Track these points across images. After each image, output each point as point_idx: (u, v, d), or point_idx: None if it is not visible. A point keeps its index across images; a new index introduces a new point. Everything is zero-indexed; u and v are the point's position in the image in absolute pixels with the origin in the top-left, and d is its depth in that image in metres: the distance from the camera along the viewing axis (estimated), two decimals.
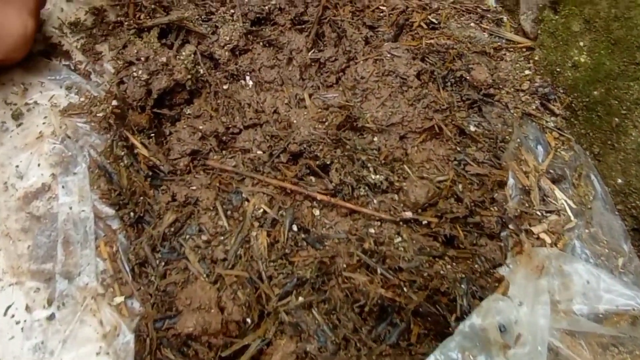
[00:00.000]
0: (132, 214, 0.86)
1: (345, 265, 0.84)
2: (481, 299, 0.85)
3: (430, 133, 1.01)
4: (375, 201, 0.90)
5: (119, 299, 0.79)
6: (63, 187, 0.86)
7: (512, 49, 1.14)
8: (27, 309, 0.77)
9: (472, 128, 1.02)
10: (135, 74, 0.95)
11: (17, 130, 0.91)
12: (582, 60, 1.00)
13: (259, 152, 0.95)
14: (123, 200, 0.87)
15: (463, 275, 0.85)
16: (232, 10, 1.09)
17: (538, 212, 0.90)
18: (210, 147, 0.95)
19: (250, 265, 0.83)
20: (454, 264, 0.86)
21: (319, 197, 0.89)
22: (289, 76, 1.07)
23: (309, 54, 1.09)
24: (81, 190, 0.86)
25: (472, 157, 0.97)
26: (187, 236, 0.85)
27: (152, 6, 1.06)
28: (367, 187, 0.90)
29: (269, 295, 0.81)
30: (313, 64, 1.08)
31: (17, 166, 0.87)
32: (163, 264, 0.83)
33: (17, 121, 0.92)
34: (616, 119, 0.92)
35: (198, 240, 0.84)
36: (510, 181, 0.92)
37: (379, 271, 0.83)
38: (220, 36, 1.05)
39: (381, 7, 1.16)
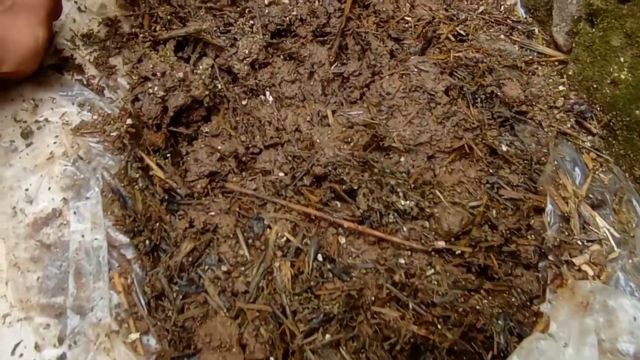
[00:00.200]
0: (147, 241, 0.80)
1: (373, 299, 0.78)
2: (519, 336, 0.78)
3: (459, 153, 0.94)
4: (404, 229, 0.83)
5: (134, 336, 0.73)
6: (75, 212, 0.79)
7: (544, 63, 1.07)
8: (37, 347, 0.71)
9: (504, 148, 0.95)
10: (150, 91, 0.88)
11: (27, 150, 0.84)
12: (623, 77, 0.93)
13: (281, 174, 0.89)
14: (138, 226, 0.81)
15: (500, 311, 0.79)
16: (251, 22, 1.02)
17: (579, 242, 0.83)
18: (230, 169, 0.89)
19: (273, 298, 0.77)
20: (490, 297, 0.80)
21: (346, 224, 0.82)
22: (311, 91, 1.00)
23: (332, 67, 1.02)
24: (94, 216, 0.80)
25: (505, 180, 0.90)
26: (206, 266, 0.79)
27: (168, 17, 1.00)
28: (396, 214, 0.84)
29: (293, 332, 0.74)
30: (336, 78, 1.01)
31: (26, 190, 0.81)
32: (181, 297, 0.77)
33: (26, 140, 0.86)
34: None
35: (217, 271, 0.78)
36: (549, 207, 0.85)
37: (410, 306, 0.77)
38: (239, 49, 0.98)
39: (406, 18, 1.09)
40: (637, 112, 0.90)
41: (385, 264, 0.81)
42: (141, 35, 0.97)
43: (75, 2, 1.01)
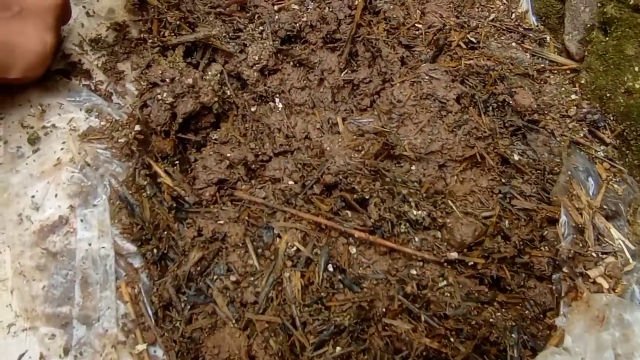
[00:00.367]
0: (155, 250, 0.78)
1: (385, 310, 0.76)
2: (532, 350, 0.76)
3: (471, 162, 0.92)
4: (416, 239, 0.81)
5: (141, 347, 0.71)
6: (82, 220, 0.77)
7: (556, 71, 1.05)
8: (42, 358, 0.68)
9: (516, 157, 0.93)
10: (159, 97, 0.86)
11: (34, 157, 0.82)
12: (637, 86, 0.91)
13: (291, 182, 0.87)
14: (146, 235, 0.79)
15: (513, 323, 0.77)
16: (260, 28, 1.00)
17: (593, 254, 0.80)
18: (239, 176, 0.87)
19: (283, 309, 0.75)
20: (503, 310, 0.78)
21: (357, 234, 0.80)
22: (321, 98, 0.98)
23: (342, 74, 1.00)
24: (101, 224, 0.78)
25: (518, 190, 0.88)
26: (215, 276, 0.77)
27: (177, 22, 0.98)
28: (408, 224, 0.82)
29: (303, 344, 0.72)
30: (346, 85, 1.00)
31: (32, 196, 0.79)
32: (189, 307, 0.75)
33: (33, 146, 0.84)
34: None
35: (226, 281, 0.76)
36: (563, 218, 0.82)
37: (422, 318, 0.75)
38: (249, 55, 0.96)
39: (417, 25, 1.07)
40: None
41: (396, 274, 0.79)
42: (150, 41, 0.96)
43: (84, 7, 0.99)
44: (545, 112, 0.98)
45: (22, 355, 0.68)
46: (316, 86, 0.99)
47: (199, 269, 0.77)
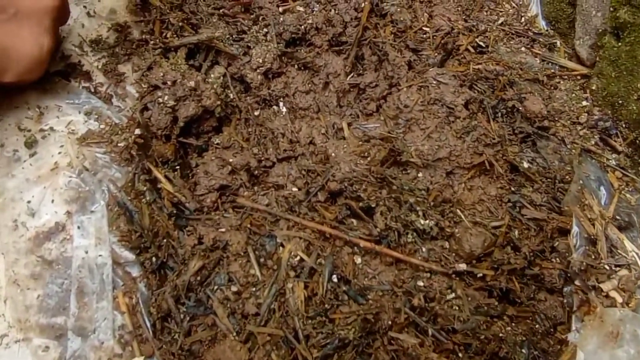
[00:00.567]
0: (154, 258, 0.75)
1: (391, 324, 0.72)
2: None
3: (479, 169, 0.88)
4: (423, 249, 0.78)
5: None
6: (79, 227, 0.74)
7: (566, 77, 1.01)
8: None
9: (526, 165, 0.89)
10: (160, 100, 0.83)
11: (30, 161, 0.79)
12: None
13: (294, 189, 0.83)
14: (144, 243, 0.75)
15: (523, 338, 0.73)
16: (265, 30, 0.97)
17: (606, 266, 0.77)
18: (241, 182, 0.83)
19: (286, 321, 0.71)
20: (513, 324, 0.74)
21: (362, 244, 0.76)
22: (326, 102, 0.95)
23: (348, 78, 0.96)
24: (98, 231, 0.74)
25: (528, 199, 0.84)
26: (215, 286, 0.73)
27: (180, 24, 0.95)
28: (415, 233, 0.78)
29: (306, 358, 0.69)
30: (352, 89, 0.96)
31: (28, 202, 0.76)
32: (188, 318, 0.71)
33: (30, 150, 0.81)
34: None
35: (227, 291, 0.73)
36: (575, 229, 0.79)
37: (430, 332, 0.71)
38: (253, 58, 0.93)
39: (424, 28, 1.03)
40: None
41: (403, 286, 0.75)
42: (151, 42, 0.92)
43: (85, 7, 0.96)
44: (556, 118, 0.94)
45: None
46: (321, 90, 0.95)
47: (199, 278, 0.74)
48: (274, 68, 0.93)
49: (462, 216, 0.80)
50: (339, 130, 0.91)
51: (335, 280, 0.74)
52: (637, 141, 0.90)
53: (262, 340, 0.70)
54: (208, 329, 0.71)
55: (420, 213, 0.79)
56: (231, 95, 0.91)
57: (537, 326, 0.75)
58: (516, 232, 0.81)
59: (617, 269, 0.78)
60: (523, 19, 1.08)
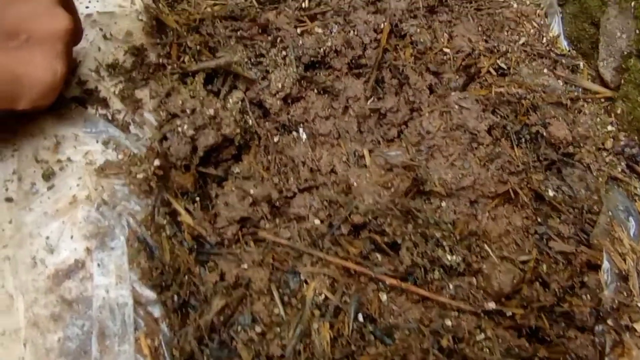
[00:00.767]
0: (175, 297, 0.72)
1: None
2: None
3: (503, 198, 0.85)
4: (450, 286, 0.75)
5: None
6: (99, 265, 0.71)
7: (590, 100, 0.98)
8: None
9: (551, 193, 0.86)
10: (179, 129, 0.80)
11: (48, 194, 0.76)
12: None
13: (317, 221, 0.80)
14: (165, 280, 0.72)
15: None
16: (283, 52, 0.93)
17: (639, 304, 0.74)
18: (262, 214, 0.80)
19: None
20: None
21: (388, 281, 0.73)
22: (346, 128, 0.91)
23: (368, 102, 0.93)
24: (119, 268, 0.71)
25: (555, 231, 0.81)
26: (239, 327, 0.70)
27: (197, 47, 0.91)
28: (441, 269, 0.75)
29: None
30: (372, 114, 0.93)
31: (47, 237, 0.73)
32: None
33: (48, 182, 0.77)
34: None
35: (251, 332, 0.70)
36: (605, 264, 0.76)
37: None
38: (272, 82, 0.89)
39: (445, 50, 1.00)
40: None
41: (429, 325, 0.72)
42: (169, 67, 0.89)
43: (101, 29, 0.93)
44: (581, 144, 0.91)
45: None
46: (341, 115, 0.92)
47: (222, 318, 0.71)
48: (293, 93, 0.90)
49: (489, 251, 0.77)
50: (360, 158, 0.88)
51: (361, 319, 0.72)
52: None
53: None
54: None
55: (447, 248, 0.76)
56: (250, 121, 0.88)
57: None
58: (544, 267, 0.78)
59: None
60: (545, 39, 1.05)
